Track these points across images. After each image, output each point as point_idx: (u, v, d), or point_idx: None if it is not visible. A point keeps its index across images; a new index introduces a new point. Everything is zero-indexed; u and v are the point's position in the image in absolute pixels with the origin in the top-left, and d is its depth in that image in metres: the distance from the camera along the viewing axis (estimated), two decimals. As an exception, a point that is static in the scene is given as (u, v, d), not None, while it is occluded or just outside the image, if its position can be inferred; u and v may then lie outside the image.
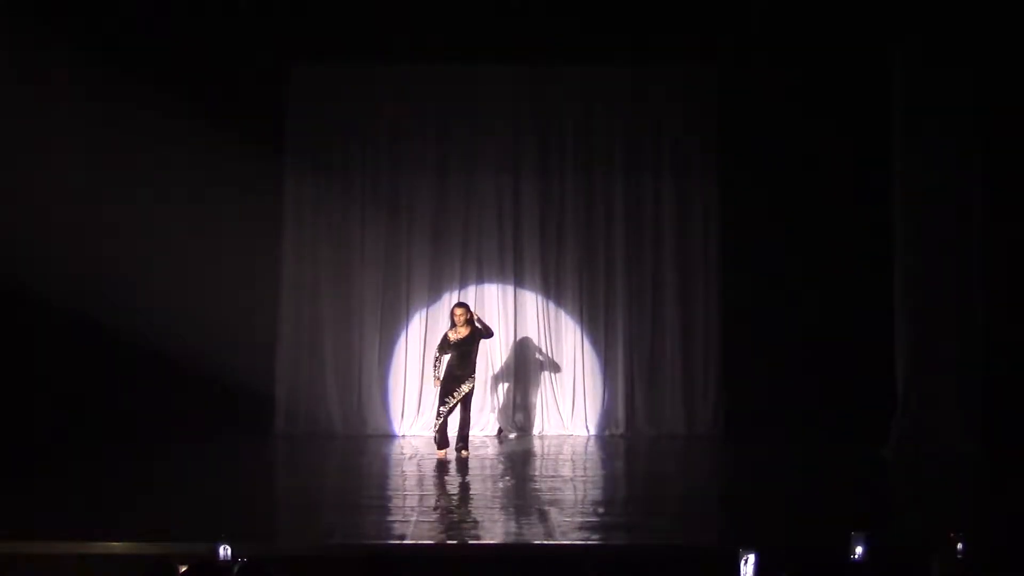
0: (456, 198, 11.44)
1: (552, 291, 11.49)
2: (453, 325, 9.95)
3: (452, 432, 9.94)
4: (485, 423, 11.34)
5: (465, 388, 9.82)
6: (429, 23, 10.57)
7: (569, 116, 11.44)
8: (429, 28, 10.64)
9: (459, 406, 9.87)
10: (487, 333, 10.11)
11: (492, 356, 11.38)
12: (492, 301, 11.45)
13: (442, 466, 9.55)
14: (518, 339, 11.44)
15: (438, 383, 9.85)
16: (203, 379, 10.58)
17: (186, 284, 10.80)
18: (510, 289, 11.45)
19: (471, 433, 10.18)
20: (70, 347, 10.63)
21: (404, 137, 11.41)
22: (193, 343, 10.58)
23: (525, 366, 11.46)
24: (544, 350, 11.45)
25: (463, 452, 9.89)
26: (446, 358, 9.86)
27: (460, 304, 10.19)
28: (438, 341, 10.14)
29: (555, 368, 11.45)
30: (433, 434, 10.00)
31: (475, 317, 10.01)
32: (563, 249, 11.48)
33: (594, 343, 11.47)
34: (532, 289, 11.47)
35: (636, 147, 11.42)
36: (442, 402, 9.84)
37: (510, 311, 11.44)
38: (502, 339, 11.39)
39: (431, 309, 11.42)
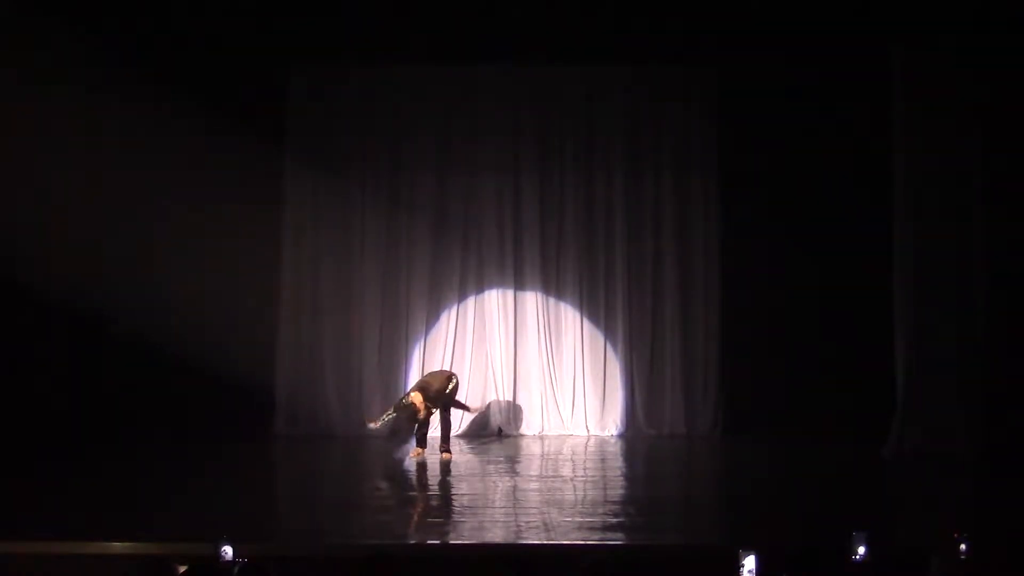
0: (456, 198, 11.42)
1: (552, 291, 11.48)
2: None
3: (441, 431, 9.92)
4: (485, 423, 11.34)
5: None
6: (429, 23, 10.56)
7: (569, 116, 11.42)
8: (429, 28, 10.64)
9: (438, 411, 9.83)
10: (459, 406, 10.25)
11: (493, 355, 11.39)
12: (492, 301, 11.45)
13: (441, 466, 9.55)
14: (518, 339, 11.43)
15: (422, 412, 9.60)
16: (203, 379, 10.56)
17: (186, 284, 10.77)
18: (510, 289, 11.44)
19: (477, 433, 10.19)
20: (69, 347, 10.63)
21: (404, 137, 11.39)
22: (193, 343, 10.58)
23: (525, 366, 11.45)
24: (544, 349, 11.44)
25: (445, 455, 9.82)
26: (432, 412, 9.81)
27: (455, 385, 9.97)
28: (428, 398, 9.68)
29: (555, 368, 11.44)
30: (414, 435, 9.89)
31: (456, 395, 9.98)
32: (563, 249, 11.46)
33: (594, 342, 11.46)
34: (532, 289, 11.46)
35: (636, 147, 11.40)
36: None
37: (510, 311, 11.42)
38: (502, 339, 11.40)
39: (431, 309, 11.41)
